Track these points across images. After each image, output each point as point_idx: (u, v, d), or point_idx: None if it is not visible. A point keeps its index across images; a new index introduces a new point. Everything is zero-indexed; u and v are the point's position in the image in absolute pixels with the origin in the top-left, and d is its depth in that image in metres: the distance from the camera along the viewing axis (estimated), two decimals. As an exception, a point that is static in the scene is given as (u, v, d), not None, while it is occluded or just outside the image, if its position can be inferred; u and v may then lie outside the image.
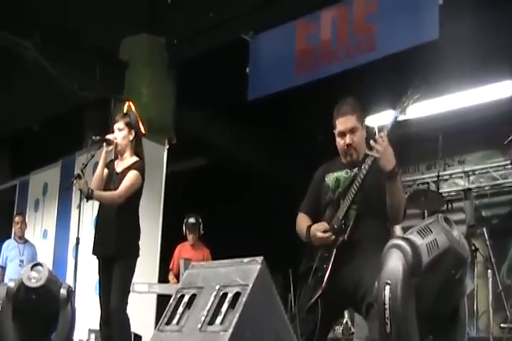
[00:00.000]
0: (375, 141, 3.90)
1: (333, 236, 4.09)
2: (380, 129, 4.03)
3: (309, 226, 4.26)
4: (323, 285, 4.02)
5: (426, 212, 9.06)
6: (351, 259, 4.02)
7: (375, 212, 4.12)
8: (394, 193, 4.01)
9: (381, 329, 3.23)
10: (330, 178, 4.38)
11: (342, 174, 4.33)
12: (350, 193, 4.12)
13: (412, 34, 7.20)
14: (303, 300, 4.18)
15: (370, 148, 3.96)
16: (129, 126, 6.02)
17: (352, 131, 4.29)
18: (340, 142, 4.34)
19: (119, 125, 6.02)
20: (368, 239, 4.05)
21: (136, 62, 9.85)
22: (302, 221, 4.44)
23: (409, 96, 4.05)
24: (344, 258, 4.04)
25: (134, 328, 5.83)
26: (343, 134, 4.30)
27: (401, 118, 4.06)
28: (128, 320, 5.69)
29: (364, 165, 4.08)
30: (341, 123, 4.31)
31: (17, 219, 10.06)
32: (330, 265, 4.05)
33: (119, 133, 5.98)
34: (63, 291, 5.60)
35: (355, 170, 4.23)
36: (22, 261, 9.49)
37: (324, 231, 4.13)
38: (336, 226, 4.12)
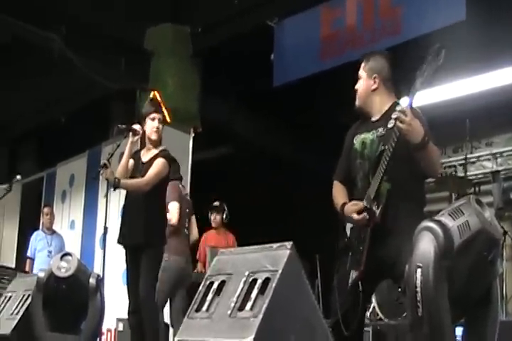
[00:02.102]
0: (397, 117, 3.84)
1: (368, 217, 4.04)
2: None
3: (343, 204, 4.20)
4: (362, 268, 3.99)
5: (453, 195, 8.97)
6: (387, 240, 3.96)
7: (408, 187, 4.07)
8: (428, 160, 3.96)
9: (413, 312, 3.19)
10: (357, 141, 4.32)
11: (368, 135, 4.25)
12: (380, 168, 4.02)
13: (438, 16, 7.13)
14: (341, 279, 4.14)
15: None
16: (161, 120, 6.07)
17: (358, 78, 4.36)
18: None
19: (161, 118, 6.07)
20: (402, 218, 3.98)
21: (161, 51, 9.85)
22: (337, 192, 4.40)
23: (430, 63, 3.88)
24: (380, 239, 3.98)
25: (164, 317, 5.83)
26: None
27: (423, 88, 3.92)
28: (157, 308, 5.71)
29: (390, 139, 3.97)
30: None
31: (45, 210, 10.11)
32: (366, 248, 4.01)
33: (161, 127, 6.03)
34: (92, 281, 5.62)
35: (381, 129, 4.17)
36: (50, 252, 9.53)
37: (359, 212, 4.07)
38: (368, 206, 4.05)
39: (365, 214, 4.04)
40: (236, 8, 8.99)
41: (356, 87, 4.37)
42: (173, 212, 7.09)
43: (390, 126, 4.09)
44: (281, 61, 8.75)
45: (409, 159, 3.99)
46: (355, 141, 4.34)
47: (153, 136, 6.00)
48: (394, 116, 4.05)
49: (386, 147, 4.00)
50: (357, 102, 4.38)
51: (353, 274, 4.05)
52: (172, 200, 7.09)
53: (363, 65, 4.37)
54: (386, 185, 4.03)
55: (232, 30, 9.28)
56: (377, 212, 4.00)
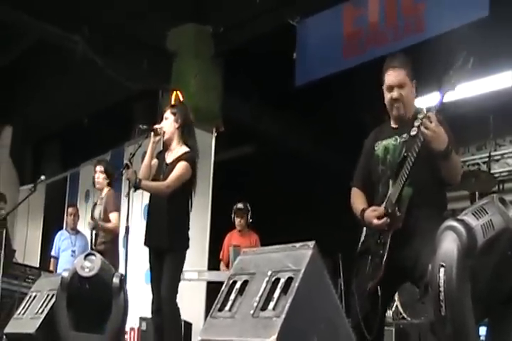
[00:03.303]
0: (422, 123, 3.80)
1: (388, 221, 4.02)
2: (428, 110, 3.92)
3: (363, 210, 4.19)
4: (382, 272, 3.98)
5: (477, 193, 8.91)
6: (407, 243, 3.95)
7: (429, 192, 4.06)
8: (450, 169, 3.96)
9: (436, 311, 3.17)
10: (379, 147, 4.29)
11: (391, 142, 4.23)
12: (402, 174, 4.00)
13: (461, 12, 7.05)
14: (360, 283, 4.14)
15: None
16: (175, 114, 6.03)
17: (400, 85, 4.19)
18: (387, 96, 4.25)
19: (166, 114, 6.05)
20: (423, 223, 3.96)
21: (184, 51, 9.87)
22: (356, 198, 4.39)
23: (457, 71, 3.84)
24: (400, 243, 3.97)
25: (184, 316, 5.86)
26: (390, 88, 4.21)
27: (449, 94, 3.88)
28: (178, 309, 5.73)
29: (414, 145, 3.95)
30: (389, 77, 4.22)
31: (70, 210, 10.14)
32: (386, 252, 3.99)
33: (166, 122, 6.00)
34: (116, 280, 5.61)
35: (404, 136, 4.14)
36: (74, 252, 9.55)
37: (379, 218, 4.06)
38: (390, 211, 4.04)
39: (385, 219, 4.03)
40: (258, 7, 8.99)
41: (402, 94, 4.21)
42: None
43: (413, 133, 4.07)
44: (304, 60, 8.73)
45: (431, 165, 3.97)
46: (376, 148, 4.32)
47: (165, 136, 5.99)
48: (417, 123, 4.04)
49: (409, 153, 3.97)
50: (402, 111, 4.23)
51: (373, 278, 4.04)
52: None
53: (404, 71, 4.23)
54: (408, 189, 4.02)
55: (254, 29, 9.28)
56: (400, 216, 3.99)
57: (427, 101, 4.43)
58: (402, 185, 4.00)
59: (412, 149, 3.96)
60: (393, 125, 4.32)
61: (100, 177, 7.74)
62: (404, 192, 4.01)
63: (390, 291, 4.31)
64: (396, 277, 4.09)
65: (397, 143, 4.19)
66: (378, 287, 4.01)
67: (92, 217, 7.52)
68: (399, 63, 4.25)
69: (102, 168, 7.75)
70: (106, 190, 7.75)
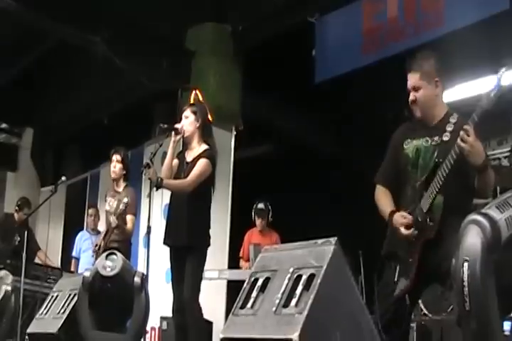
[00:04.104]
0: (460, 137, 3.71)
1: (417, 232, 3.95)
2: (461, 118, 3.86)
3: (392, 213, 4.12)
4: (411, 282, 3.94)
5: (498, 188, 8.83)
6: (439, 253, 3.86)
7: (460, 201, 3.98)
8: (484, 183, 3.90)
9: (460, 306, 3.14)
10: (409, 147, 4.19)
11: (422, 143, 4.14)
12: (435, 183, 3.92)
13: (481, 6, 6.95)
14: (384, 287, 4.09)
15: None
16: (196, 113, 6.03)
17: (415, 88, 4.14)
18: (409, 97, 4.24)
19: (186, 113, 6.04)
20: (454, 232, 3.69)
21: (203, 51, 9.85)
22: (382, 197, 4.31)
23: (497, 91, 3.68)
24: (432, 252, 3.91)
25: (205, 314, 5.85)
26: (409, 90, 4.19)
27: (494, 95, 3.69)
28: (200, 308, 5.72)
29: (449, 155, 3.85)
30: (408, 80, 4.19)
31: (91, 211, 10.16)
32: (417, 262, 3.94)
33: (186, 120, 6.00)
34: (137, 279, 5.63)
35: (436, 139, 4.07)
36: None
37: (407, 227, 3.99)
38: (420, 219, 3.96)
39: (413, 230, 3.96)
40: (276, 5, 8.97)
41: (417, 96, 4.15)
42: None
43: (445, 138, 4.02)
44: (323, 57, 8.68)
45: (464, 173, 3.90)
46: (405, 146, 4.23)
47: (185, 133, 5.99)
48: (449, 128, 3.99)
49: (444, 162, 3.89)
50: (418, 114, 4.18)
51: (400, 285, 3.99)
52: None
53: (416, 74, 4.15)
54: (439, 197, 3.94)
55: (273, 27, 9.25)
56: (432, 226, 3.92)
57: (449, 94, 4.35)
58: (434, 194, 3.92)
59: (445, 159, 3.88)
60: (424, 124, 4.23)
61: (117, 166, 7.41)
62: (436, 202, 3.94)
63: (418, 297, 4.32)
64: (425, 284, 4.09)
65: (429, 146, 4.11)
66: (407, 295, 3.98)
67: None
68: (413, 66, 4.18)
69: (120, 157, 7.41)
70: (123, 185, 7.57)
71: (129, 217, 7.12)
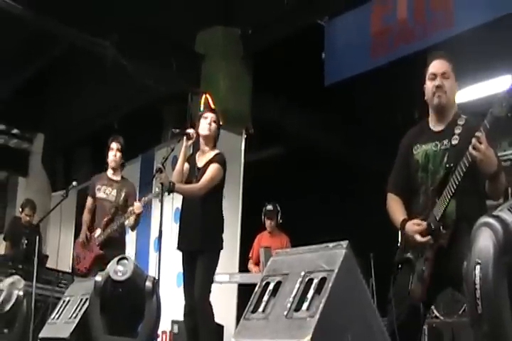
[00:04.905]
0: (473, 145, 3.66)
1: (432, 241, 3.92)
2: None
3: (404, 221, 4.08)
4: (424, 289, 3.93)
5: (510, 189, 8.79)
6: (451, 258, 3.85)
7: (473, 206, 3.94)
8: (495, 188, 3.87)
9: (472, 310, 3.12)
10: (419, 152, 4.16)
11: (431, 147, 4.10)
12: (447, 191, 3.87)
13: (492, 5, 6.88)
14: (399, 292, 4.05)
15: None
16: (215, 118, 6.09)
17: (444, 74, 4.08)
18: (429, 85, 4.13)
19: (214, 117, 6.06)
20: (465, 237, 3.65)
21: (212, 54, 9.86)
22: (394, 205, 4.27)
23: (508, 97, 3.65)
24: (445, 259, 3.89)
25: (216, 318, 5.85)
26: (434, 76, 4.10)
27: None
28: (211, 310, 5.74)
29: (461, 162, 3.80)
30: (434, 66, 4.12)
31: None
32: (430, 269, 3.93)
33: (213, 125, 6.02)
34: (148, 284, 5.64)
35: (445, 142, 4.03)
36: (106, 257, 9.58)
37: (422, 234, 3.95)
38: (433, 227, 3.93)
39: (429, 237, 3.92)
40: (286, 8, 8.96)
41: (445, 83, 4.08)
42: None
43: (454, 142, 3.98)
44: (333, 60, 8.66)
45: (476, 179, 3.87)
46: (415, 151, 4.19)
47: (205, 132, 6.00)
48: (457, 130, 3.96)
49: (455, 168, 3.84)
50: (444, 100, 4.10)
51: (415, 293, 3.97)
52: None
53: (449, 64, 4.13)
54: (452, 204, 3.90)
55: (283, 30, 9.23)
56: (445, 235, 3.90)
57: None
58: (447, 202, 3.89)
59: (457, 165, 3.83)
60: (433, 127, 4.20)
61: (117, 155, 7.47)
62: (449, 208, 3.91)
63: (432, 302, 4.34)
64: (440, 290, 4.10)
65: (438, 150, 4.07)
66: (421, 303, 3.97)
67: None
68: (445, 56, 4.17)
69: (120, 146, 7.48)
70: (120, 174, 7.55)
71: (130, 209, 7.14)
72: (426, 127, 4.23)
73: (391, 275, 4.14)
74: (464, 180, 3.82)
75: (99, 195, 7.42)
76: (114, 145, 7.43)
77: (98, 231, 7.25)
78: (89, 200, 7.63)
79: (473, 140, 3.66)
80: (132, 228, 7.18)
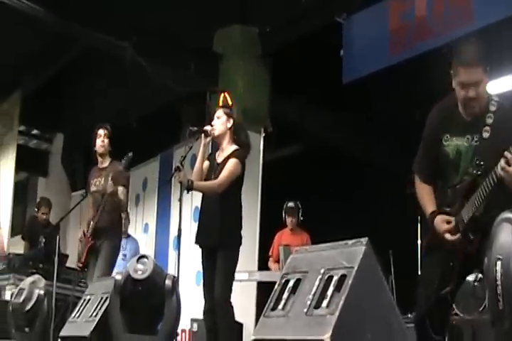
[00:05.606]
0: (502, 168, 3.56)
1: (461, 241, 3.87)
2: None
3: (433, 214, 4.02)
4: (451, 288, 3.93)
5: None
6: (476, 260, 3.76)
7: (500, 210, 3.69)
8: None
9: (493, 306, 3.10)
10: (450, 146, 4.02)
11: (463, 143, 3.96)
12: (478, 196, 3.79)
13: None
14: (427, 276, 4.08)
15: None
16: (228, 114, 6.06)
17: (476, 84, 3.86)
18: (461, 93, 3.91)
19: (218, 113, 6.06)
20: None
21: (230, 53, 9.86)
22: (424, 194, 4.16)
23: None
24: (471, 263, 3.87)
25: (235, 316, 5.84)
26: (465, 86, 3.87)
27: None
28: (232, 308, 5.73)
29: (490, 175, 3.70)
30: (465, 74, 3.86)
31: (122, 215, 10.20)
32: (458, 268, 3.92)
33: (218, 121, 6.03)
34: (168, 282, 5.64)
35: (476, 137, 3.91)
36: (125, 255, 9.59)
37: (451, 232, 3.89)
38: (461, 228, 3.88)
39: (459, 235, 3.87)
40: (303, 6, 8.95)
41: (479, 92, 3.89)
42: None
43: (485, 135, 3.88)
44: (351, 57, 8.61)
45: (506, 187, 3.72)
46: (445, 143, 4.05)
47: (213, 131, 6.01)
48: (489, 120, 3.87)
49: (485, 173, 3.76)
50: (477, 110, 3.93)
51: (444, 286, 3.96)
52: None
53: (478, 69, 3.86)
54: (480, 209, 3.83)
55: (301, 28, 9.21)
56: (473, 240, 3.84)
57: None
58: (476, 206, 3.82)
59: (489, 176, 3.71)
60: (464, 115, 4.02)
61: (105, 141, 7.56)
62: (477, 213, 3.84)
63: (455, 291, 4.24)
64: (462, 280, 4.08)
65: (469, 146, 3.95)
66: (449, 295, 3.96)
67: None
68: (475, 59, 3.87)
69: (107, 132, 7.59)
70: (108, 160, 7.56)
71: (120, 189, 7.12)
72: (456, 113, 4.06)
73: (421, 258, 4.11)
74: (493, 188, 3.73)
75: (92, 188, 7.49)
76: (101, 131, 7.59)
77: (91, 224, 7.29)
78: (89, 197, 7.70)
79: (502, 161, 3.56)
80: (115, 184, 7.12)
